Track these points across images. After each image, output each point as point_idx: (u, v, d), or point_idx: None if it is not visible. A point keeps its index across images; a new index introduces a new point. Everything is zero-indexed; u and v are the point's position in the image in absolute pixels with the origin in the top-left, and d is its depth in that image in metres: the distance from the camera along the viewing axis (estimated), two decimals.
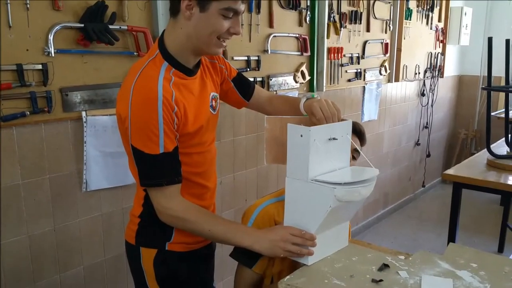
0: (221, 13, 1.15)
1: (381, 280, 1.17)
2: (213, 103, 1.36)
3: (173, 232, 1.31)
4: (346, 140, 1.29)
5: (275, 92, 2.66)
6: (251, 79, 2.45)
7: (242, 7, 1.18)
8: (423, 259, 1.30)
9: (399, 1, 3.69)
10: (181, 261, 1.34)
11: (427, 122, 4.72)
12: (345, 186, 1.16)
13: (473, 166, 2.61)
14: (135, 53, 1.92)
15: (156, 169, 1.19)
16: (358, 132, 1.48)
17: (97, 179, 1.93)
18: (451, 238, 2.45)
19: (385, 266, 1.25)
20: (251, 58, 2.48)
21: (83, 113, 1.81)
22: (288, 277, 1.19)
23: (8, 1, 1.51)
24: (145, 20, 1.97)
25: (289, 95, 2.73)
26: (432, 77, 4.55)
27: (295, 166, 1.20)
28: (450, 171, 2.47)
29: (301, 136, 1.16)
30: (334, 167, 1.26)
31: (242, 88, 1.49)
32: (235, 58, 2.39)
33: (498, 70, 2.76)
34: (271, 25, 2.57)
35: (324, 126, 1.20)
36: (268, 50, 2.56)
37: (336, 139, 1.23)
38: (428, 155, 4.87)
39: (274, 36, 2.60)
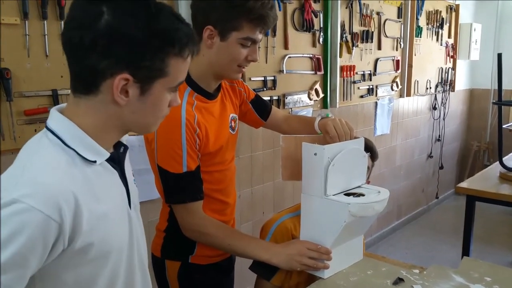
0: (240, 42, 1.19)
1: None
2: (233, 124, 1.39)
3: (195, 246, 1.33)
4: (361, 157, 1.30)
5: (290, 110, 2.69)
6: (268, 98, 2.50)
7: (259, 36, 1.22)
8: (437, 273, 1.28)
9: (409, 20, 3.69)
10: (203, 274, 1.36)
11: (439, 135, 4.67)
12: (359, 202, 1.16)
13: (486, 179, 2.57)
14: None
15: (179, 187, 1.22)
16: (368, 148, 1.48)
17: None
18: (465, 251, 2.41)
19: (400, 280, 1.24)
20: (268, 78, 2.51)
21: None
22: None
23: (46, 33, 1.59)
24: None
25: (303, 112, 2.74)
26: (444, 91, 4.51)
27: (310, 183, 1.21)
28: (464, 184, 2.44)
29: (315, 154, 1.17)
30: (350, 184, 1.27)
31: (259, 109, 1.52)
32: (253, 78, 2.43)
33: (509, 82, 2.73)
34: (286, 46, 2.60)
35: (337, 144, 1.21)
36: (283, 70, 2.59)
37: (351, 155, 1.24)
38: (441, 167, 4.80)
39: (289, 57, 2.63)
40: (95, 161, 0.79)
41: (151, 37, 0.74)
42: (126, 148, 0.91)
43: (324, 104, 2.97)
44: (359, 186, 1.29)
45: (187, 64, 0.82)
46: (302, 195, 1.24)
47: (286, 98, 2.64)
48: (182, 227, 1.26)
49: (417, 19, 3.80)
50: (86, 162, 0.79)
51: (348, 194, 1.23)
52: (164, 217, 1.36)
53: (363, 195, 1.23)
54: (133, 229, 0.89)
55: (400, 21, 3.64)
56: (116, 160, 0.87)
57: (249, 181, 2.56)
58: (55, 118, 0.79)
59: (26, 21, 1.53)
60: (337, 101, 3.02)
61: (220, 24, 1.18)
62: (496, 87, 2.53)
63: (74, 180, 0.75)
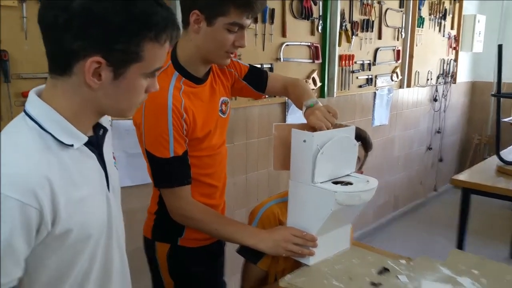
0: (226, 28, 1.17)
1: (380, 284, 1.16)
2: (223, 107, 1.38)
3: (184, 229, 1.33)
4: (351, 146, 1.29)
5: (286, 98, 2.67)
6: None
7: (247, 21, 1.20)
8: (424, 264, 1.28)
9: (411, 10, 3.65)
10: (192, 256, 1.37)
11: (439, 127, 4.64)
12: (346, 190, 1.16)
13: (483, 172, 2.56)
14: None
15: (167, 171, 1.22)
16: (361, 138, 1.47)
17: (121, 177, 1.95)
18: (459, 244, 2.40)
19: (385, 269, 1.24)
20: (264, 65, 2.49)
21: (109, 118, 1.85)
22: (288, 275, 1.19)
23: None
24: None
25: None
26: (445, 83, 4.47)
27: (298, 170, 1.20)
28: (459, 177, 2.42)
29: (304, 141, 1.16)
30: (339, 172, 1.26)
31: (255, 83, 1.48)
32: None
33: (511, 75, 2.68)
34: (284, 34, 2.57)
35: (327, 132, 1.20)
36: (280, 58, 2.57)
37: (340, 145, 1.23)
38: (441, 160, 4.78)
39: (287, 45, 2.60)
40: (72, 145, 0.78)
41: (126, 20, 0.72)
42: (105, 130, 0.89)
43: (321, 93, 2.95)
44: (348, 175, 1.29)
45: (164, 50, 0.80)
46: (290, 181, 1.23)
47: None
48: (170, 211, 1.27)
49: (419, 9, 3.75)
50: (63, 146, 0.77)
51: (336, 183, 1.22)
52: (155, 200, 1.37)
53: (351, 183, 1.22)
54: (112, 212, 0.89)
55: (401, 11, 3.59)
56: (95, 143, 0.85)
57: (243, 168, 2.56)
58: (33, 102, 0.78)
59: (24, 4, 1.53)
60: (335, 90, 3.00)
61: (206, 9, 1.16)
62: None
63: (49, 166, 0.74)
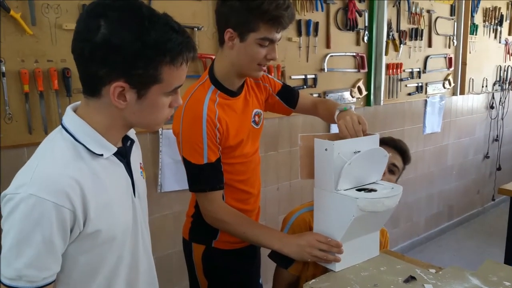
0: (258, 43, 1.20)
1: None
2: (256, 119, 1.40)
3: (218, 232, 1.36)
4: (381, 157, 1.25)
5: None
6: None
7: (277, 36, 1.22)
8: (453, 274, 1.20)
9: (463, 17, 3.43)
10: (225, 258, 1.39)
11: (497, 135, 4.28)
12: (368, 197, 1.12)
13: None
14: None
15: (200, 177, 1.26)
16: (398, 149, 1.41)
17: (169, 182, 2.06)
18: (508, 256, 2.20)
19: (411, 278, 1.18)
20: (308, 76, 2.48)
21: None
22: (313, 280, 1.18)
23: None
24: (213, 47, 2.06)
25: None
26: (502, 90, 4.12)
27: (321, 177, 1.19)
28: (507, 186, 2.23)
29: (326, 149, 1.15)
30: (364, 180, 1.23)
31: (287, 100, 1.51)
32: (293, 77, 2.41)
33: None
34: (328, 45, 2.55)
35: (349, 140, 1.18)
36: (324, 68, 2.54)
37: (359, 151, 1.19)
38: (499, 168, 4.40)
39: (331, 56, 2.57)
40: (102, 155, 0.84)
41: (142, 48, 0.76)
42: (132, 142, 0.95)
43: (367, 101, 2.87)
44: (374, 182, 1.25)
45: (181, 71, 0.83)
46: (315, 189, 1.22)
47: (327, 95, 2.59)
48: (203, 214, 1.31)
49: (472, 16, 3.51)
50: (94, 156, 0.83)
51: (360, 190, 1.19)
52: (192, 204, 1.42)
53: (375, 190, 1.18)
54: (137, 216, 0.93)
55: (453, 19, 3.39)
56: (123, 153, 0.91)
57: (287, 175, 2.56)
58: (69, 116, 0.85)
59: None
60: (382, 98, 2.90)
61: (239, 26, 1.19)
62: None
63: (80, 172, 0.79)
